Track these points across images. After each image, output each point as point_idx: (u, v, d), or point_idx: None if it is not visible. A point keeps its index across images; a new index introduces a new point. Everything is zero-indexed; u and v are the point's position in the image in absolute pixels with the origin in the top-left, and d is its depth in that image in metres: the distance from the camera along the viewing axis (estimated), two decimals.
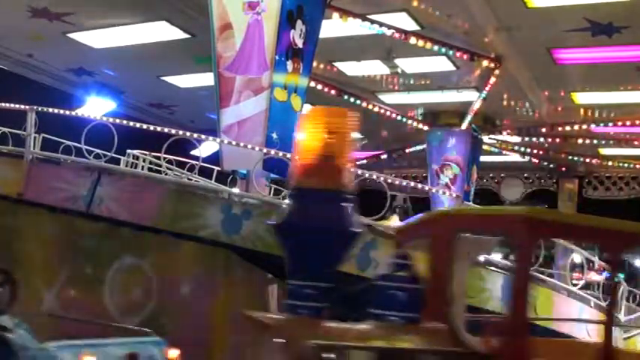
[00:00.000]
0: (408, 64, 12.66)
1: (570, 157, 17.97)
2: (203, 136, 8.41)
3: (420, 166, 18.73)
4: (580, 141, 16.00)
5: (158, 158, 9.78)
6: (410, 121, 15.82)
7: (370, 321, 3.13)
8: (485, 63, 11.84)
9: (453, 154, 15.51)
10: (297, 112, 9.06)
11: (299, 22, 8.80)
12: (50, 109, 8.42)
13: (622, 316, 9.45)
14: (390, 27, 10.71)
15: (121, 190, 7.54)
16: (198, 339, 7.09)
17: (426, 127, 15.91)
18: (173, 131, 8.08)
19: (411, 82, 13.72)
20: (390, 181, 8.87)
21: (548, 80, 12.95)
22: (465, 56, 11.51)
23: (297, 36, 8.80)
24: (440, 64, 12.37)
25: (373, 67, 13.03)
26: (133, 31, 12.14)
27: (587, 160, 17.83)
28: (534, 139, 16.70)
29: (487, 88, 12.87)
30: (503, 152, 17.80)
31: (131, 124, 8.25)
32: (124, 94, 16.04)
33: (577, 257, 11.53)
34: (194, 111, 16.66)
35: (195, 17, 10.89)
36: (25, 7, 11.52)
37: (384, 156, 19.49)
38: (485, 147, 16.63)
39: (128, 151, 11.43)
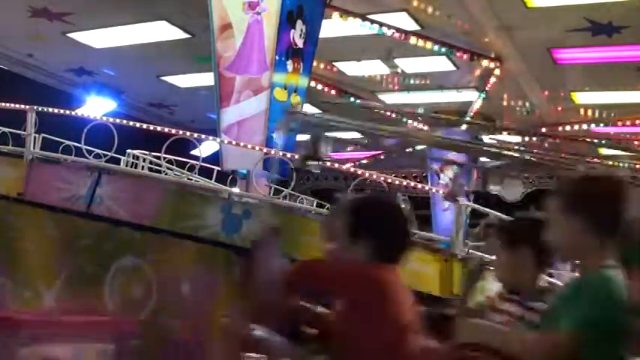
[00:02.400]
0: (408, 64, 12.67)
1: (570, 157, 17.97)
2: (203, 136, 8.40)
3: (420, 166, 18.75)
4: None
5: (158, 158, 9.77)
6: (410, 121, 15.83)
7: None
8: (485, 63, 11.85)
9: (453, 154, 15.51)
10: None
11: (299, 22, 8.80)
12: (50, 109, 8.41)
13: None
14: (390, 27, 10.72)
15: (121, 189, 7.53)
16: (198, 339, 7.08)
17: (426, 127, 15.92)
18: (173, 131, 8.07)
19: (411, 82, 13.73)
20: (390, 180, 8.86)
21: (548, 80, 12.95)
22: (465, 56, 11.52)
23: (297, 36, 8.80)
24: (440, 64, 12.38)
25: (373, 67, 13.04)
26: (133, 31, 12.13)
27: (587, 160, 17.81)
28: (534, 139, 16.71)
29: (487, 88, 12.88)
30: (503, 152, 17.78)
31: (131, 124, 8.24)
32: (124, 94, 16.04)
33: None
34: (194, 111, 16.66)
35: (195, 17, 10.89)
36: (25, 7, 11.52)
37: (384, 156, 19.51)
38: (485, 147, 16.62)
39: (128, 151, 11.42)
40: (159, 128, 8.21)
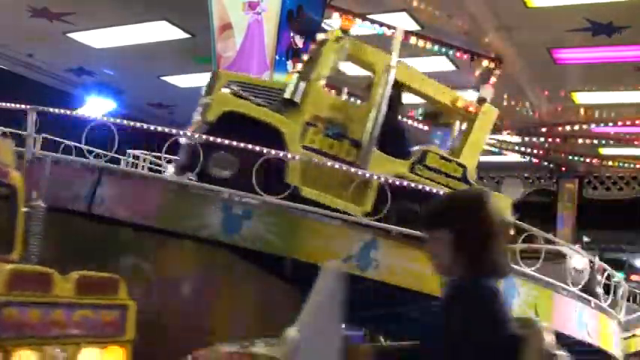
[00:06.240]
0: (408, 64, 12.64)
1: (570, 157, 17.97)
2: (204, 136, 8.39)
3: None
4: (580, 141, 16.00)
5: (158, 158, 9.77)
6: (410, 121, 15.81)
7: None
8: (485, 63, 11.84)
9: None
10: None
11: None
12: (50, 109, 8.40)
13: (622, 316, 9.44)
14: (390, 27, 10.71)
15: (122, 189, 7.53)
16: (198, 339, 7.07)
17: (426, 127, 15.89)
18: (173, 131, 8.07)
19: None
20: (390, 181, 8.85)
21: (548, 80, 12.96)
22: (465, 56, 11.51)
23: (297, 36, 8.81)
24: (440, 64, 12.37)
25: None
26: (133, 31, 12.14)
27: (587, 160, 17.83)
28: (534, 139, 16.71)
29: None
30: (503, 152, 17.80)
31: (131, 124, 8.23)
32: (124, 94, 16.04)
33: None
34: (194, 111, 16.63)
35: (195, 17, 10.89)
36: (25, 7, 11.53)
37: None
38: (485, 147, 16.60)
39: (128, 151, 11.43)
40: (159, 128, 8.20)
